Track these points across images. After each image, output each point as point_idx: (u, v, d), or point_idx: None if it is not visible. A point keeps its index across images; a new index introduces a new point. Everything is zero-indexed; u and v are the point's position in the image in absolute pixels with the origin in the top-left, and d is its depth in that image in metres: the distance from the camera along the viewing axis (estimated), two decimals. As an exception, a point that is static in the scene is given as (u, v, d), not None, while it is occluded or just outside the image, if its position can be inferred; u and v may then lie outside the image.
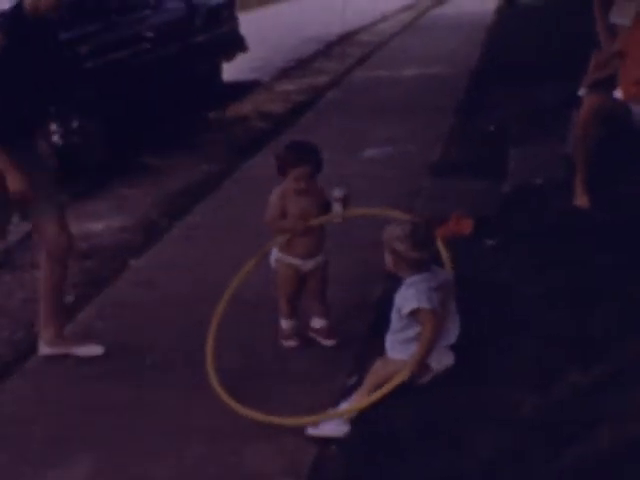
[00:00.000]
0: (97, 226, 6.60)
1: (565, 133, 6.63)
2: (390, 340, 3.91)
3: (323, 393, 4.01)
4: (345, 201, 4.25)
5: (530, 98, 9.28)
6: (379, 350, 3.96)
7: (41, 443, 3.80)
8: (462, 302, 3.99)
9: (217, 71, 12.12)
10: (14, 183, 4.06)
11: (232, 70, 12.54)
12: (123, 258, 5.90)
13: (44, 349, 4.54)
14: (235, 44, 12.31)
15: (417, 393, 3.74)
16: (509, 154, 7.39)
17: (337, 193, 4.24)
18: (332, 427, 3.70)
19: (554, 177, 6.42)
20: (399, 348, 3.84)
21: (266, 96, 11.75)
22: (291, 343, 4.52)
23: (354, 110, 10.38)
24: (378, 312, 4.60)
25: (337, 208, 4.25)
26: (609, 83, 5.54)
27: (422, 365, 3.75)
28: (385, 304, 4.27)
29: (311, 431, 3.71)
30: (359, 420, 3.70)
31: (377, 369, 3.82)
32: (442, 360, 3.82)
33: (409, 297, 3.74)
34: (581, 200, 5.85)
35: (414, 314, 3.73)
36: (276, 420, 3.74)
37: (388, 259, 3.84)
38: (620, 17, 5.55)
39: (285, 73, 13.64)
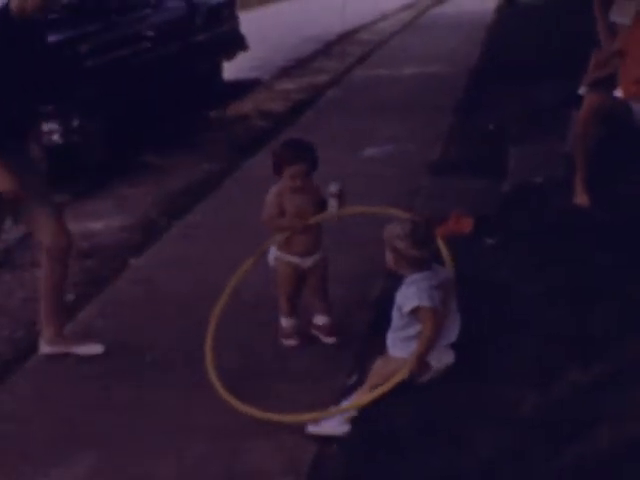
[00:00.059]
0: (97, 225, 6.60)
1: (565, 132, 6.64)
2: (391, 338, 3.92)
3: (323, 392, 4.01)
4: (340, 196, 4.25)
5: (530, 97, 9.28)
6: (380, 348, 3.97)
7: (41, 442, 3.81)
8: (462, 301, 3.99)
9: (218, 70, 12.12)
10: (3, 183, 4.06)
11: (232, 69, 12.54)
12: (123, 257, 5.90)
13: (44, 348, 4.55)
14: (235, 43, 12.31)
15: (417, 391, 3.75)
16: (509, 153, 7.39)
17: (332, 188, 4.25)
18: (332, 426, 3.70)
19: (554, 176, 6.42)
20: (400, 346, 3.85)
21: (266, 95, 11.76)
22: (291, 342, 4.52)
23: (354, 109, 10.39)
24: (378, 310, 4.61)
25: (332, 203, 4.25)
26: (609, 82, 5.54)
27: (422, 363, 3.75)
28: (385, 302, 4.27)
29: (311, 429, 3.71)
30: (359, 419, 3.70)
31: (378, 368, 3.83)
32: (442, 358, 3.83)
33: (410, 295, 3.74)
34: (581, 199, 5.85)
35: (415, 312, 3.74)
36: (275, 417, 3.74)
37: (389, 257, 3.84)
38: (620, 16, 5.55)
39: (285, 72, 13.64)
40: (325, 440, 3.67)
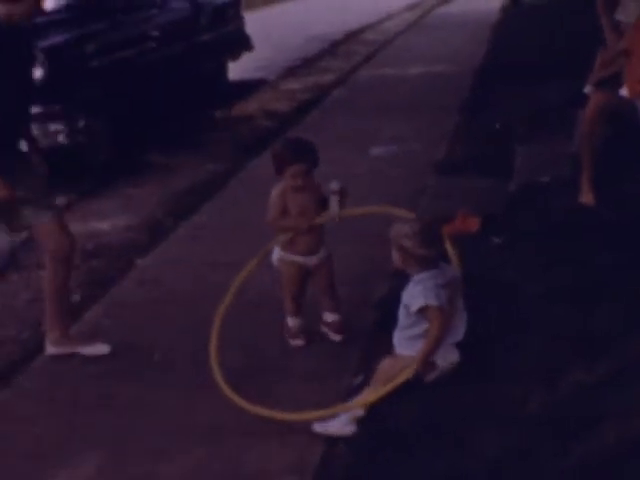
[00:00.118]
0: (103, 225, 6.61)
1: (571, 131, 6.63)
2: (398, 337, 3.91)
3: (329, 391, 4.01)
4: (341, 194, 4.25)
5: (535, 96, 9.26)
6: (386, 347, 3.96)
7: (47, 442, 3.81)
8: (468, 300, 3.98)
9: (223, 70, 12.13)
10: None
11: (238, 69, 12.55)
12: (129, 257, 5.90)
13: (50, 349, 4.55)
14: (241, 43, 12.33)
15: (423, 391, 3.74)
16: (515, 152, 7.38)
17: (333, 186, 4.24)
18: (339, 426, 3.69)
19: (560, 175, 6.42)
20: (406, 345, 3.84)
21: (272, 95, 11.76)
22: (298, 342, 4.52)
23: (359, 108, 10.39)
24: (384, 309, 4.60)
25: (334, 201, 4.25)
26: (615, 81, 5.53)
27: (428, 362, 3.75)
28: (391, 301, 4.27)
29: (318, 428, 3.71)
30: (365, 418, 3.70)
31: (385, 366, 3.81)
32: (448, 357, 3.82)
33: (417, 294, 3.74)
34: (587, 198, 5.85)
35: (422, 311, 3.73)
36: (281, 415, 3.74)
37: (396, 256, 3.84)
38: (626, 15, 5.55)
39: (291, 72, 13.64)
40: (332, 440, 3.67)
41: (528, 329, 4.16)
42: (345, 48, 16.13)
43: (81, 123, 7.78)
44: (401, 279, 4.03)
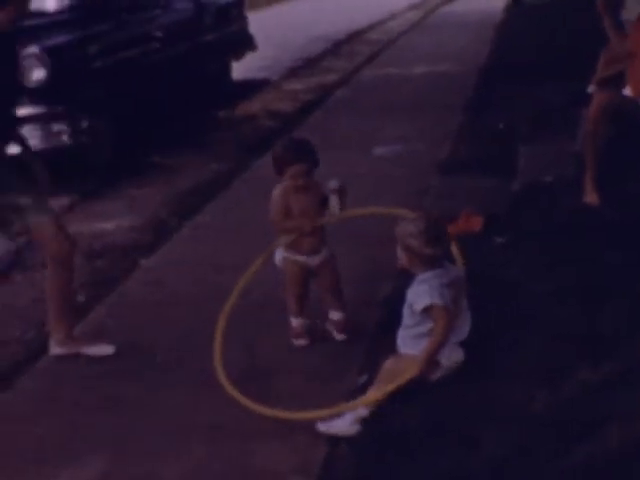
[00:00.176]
0: (107, 226, 6.61)
1: (575, 131, 6.62)
2: (402, 336, 3.92)
3: (333, 391, 4.00)
4: (341, 192, 4.25)
5: (539, 96, 9.26)
6: (389, 347, 3.96)
7: (49, 442, 3.81)
8: (472, 299, 3.99)
9: (226, 70, 12.14)
10: None
11: (241, 69, 12.56)
12: (133, 257, 5.91)
13: (55, 349, 4.56)
14: (244, 43, 12.33)
15: (427, 390, 3.74)
16: (519, 152, 7.37)
17: (333, 185, 4.25)
18: (343, 426, 3.69)
19: (564, 175, 6.41)
20: (411, 344, 3.85)
21: (275, 95, 11.76)
22: (302, 342, 4.52)
23: (363, 108, 10.38)
24: (388, 309, 4.61)
25: (333, 200, 4.25)
26: (618, 80, 5.53)
27: (432, 361, 3.75)
28: (395, 300, 4.27)
29: (322, 427, 3.70)
30: (369, 418, 3.70)
31: (389, 366, 3.81)
32: (452, 356, 3.82)
33: (421, 293, 3.74)
34: (591, 197, 5.84)
35: (427, 310, 3.73)
36: (285, 414, 3.73)
37: (401, 255, 3.84)
38: (630, 15, 5.54)
39: (294, 72, 13.65)
40: (335, 440, 3.66)
41: (531, 328, 4.15)
42: (348, 48, 16.12)
43: (84, 124, 7.78)
44: (405, 278, 4.03)
